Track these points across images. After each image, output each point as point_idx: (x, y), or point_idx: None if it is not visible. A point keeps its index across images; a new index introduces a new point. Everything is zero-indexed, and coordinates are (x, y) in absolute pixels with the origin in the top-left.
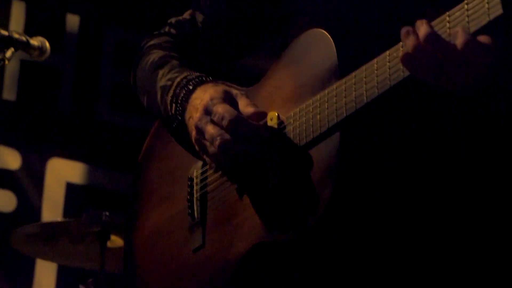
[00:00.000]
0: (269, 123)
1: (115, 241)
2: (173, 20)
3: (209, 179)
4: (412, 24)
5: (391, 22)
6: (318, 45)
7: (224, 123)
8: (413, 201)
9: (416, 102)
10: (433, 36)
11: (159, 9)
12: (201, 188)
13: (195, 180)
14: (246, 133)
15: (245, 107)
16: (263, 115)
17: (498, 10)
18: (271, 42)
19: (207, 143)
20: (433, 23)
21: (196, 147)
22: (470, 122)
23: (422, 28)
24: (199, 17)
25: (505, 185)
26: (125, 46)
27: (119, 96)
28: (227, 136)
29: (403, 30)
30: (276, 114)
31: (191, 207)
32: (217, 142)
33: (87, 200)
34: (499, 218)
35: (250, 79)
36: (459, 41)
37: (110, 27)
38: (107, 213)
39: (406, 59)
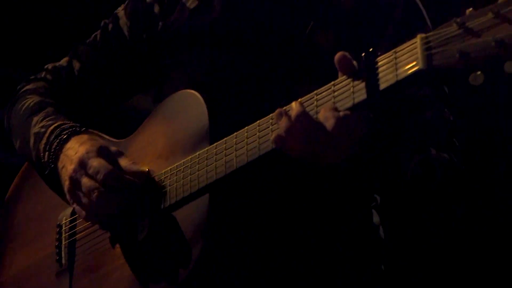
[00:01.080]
0: None
1: None
2: (49, 66)
3: (78, 227)
4: (286, 90)
5: (263, 88)
6: (191, 107)
7: (99, 177)
8: (276, 255)
9: (284, 167)
10: (304, 116)
11: (36, 47)
12: (70, 235)
13: (64, 228)
14: (119, 187)
15: (128, 164)
16: (144, 174)
17: (362, 95)
18: (145, 93)
19: (81, 194)
20: (302, 99)
21: (68, 197)
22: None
23: (295, 108)
24: (76, 65)
25: None
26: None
27: None
28: (102, 190)
29: (277, 112)
30: (147, 170)
31: (59, 253)
32: (94, 195)
33: None
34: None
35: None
36: (326, 121)
37: None
38: None
39: (279, 140)
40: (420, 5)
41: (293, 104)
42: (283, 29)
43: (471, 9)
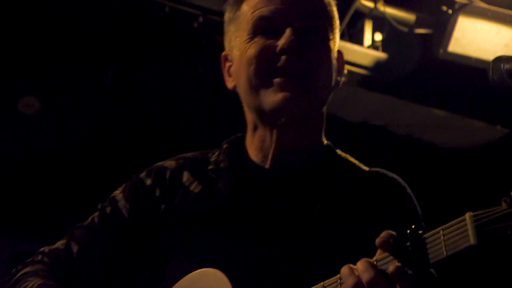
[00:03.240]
0: None
1: None
2: (46, 249)
3: None
4: (298, 266)
5: (273, 267)
6: (215, 285)
7: None
8: None
9: None
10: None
11: (51, 221)
12: None
13: None
14: None
15: None
16: None
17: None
18: (147, 273)
19: None
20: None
21: None
22: None
23: (369, 271)
24: (75, 248)
25: None
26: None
27: None
28: None
29: (346, 269)
30: None
31: None
32: None
33: None
34: None
35: None
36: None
37: (4, 237)
38: None
39: None
40: (415, 203)
41: (365, 264)
42: (291, 210)
43: None
